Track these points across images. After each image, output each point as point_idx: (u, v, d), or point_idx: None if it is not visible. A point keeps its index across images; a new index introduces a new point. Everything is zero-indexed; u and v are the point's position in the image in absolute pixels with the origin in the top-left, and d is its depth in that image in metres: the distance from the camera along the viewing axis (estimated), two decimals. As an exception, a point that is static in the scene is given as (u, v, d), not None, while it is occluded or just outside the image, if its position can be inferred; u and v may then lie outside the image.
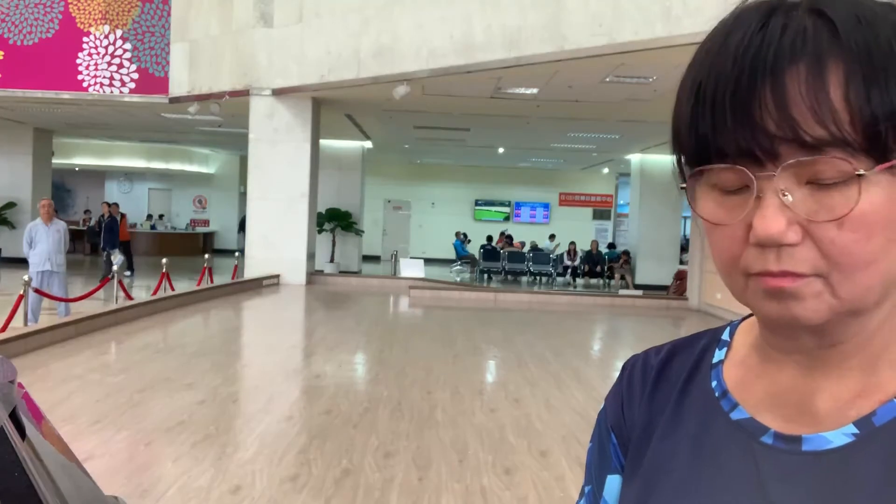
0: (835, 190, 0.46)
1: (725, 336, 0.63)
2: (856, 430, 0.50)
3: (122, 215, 16.68)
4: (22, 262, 16.19)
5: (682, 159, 0.52)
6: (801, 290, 0.47)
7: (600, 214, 25.24)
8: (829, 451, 0.51)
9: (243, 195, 18.51)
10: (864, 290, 0.47)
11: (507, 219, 25.02)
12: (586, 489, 0.68)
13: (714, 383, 0.59)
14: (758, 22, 0.48)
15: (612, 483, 0.65)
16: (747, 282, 0.50)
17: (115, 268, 9.97)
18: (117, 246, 14.48)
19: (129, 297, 9.71)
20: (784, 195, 0.46)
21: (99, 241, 15.78)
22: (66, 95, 12.98)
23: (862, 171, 0.45)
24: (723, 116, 0.47)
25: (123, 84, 12.84)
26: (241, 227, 22.37)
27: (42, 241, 8.77)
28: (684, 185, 0.52)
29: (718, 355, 0.61)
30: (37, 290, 8.20)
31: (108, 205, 15.84)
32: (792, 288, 0.47)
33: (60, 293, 8.94)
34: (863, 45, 0.45)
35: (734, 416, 0.56)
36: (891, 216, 0.46)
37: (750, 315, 0.61)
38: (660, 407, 0.62)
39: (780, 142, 0.46)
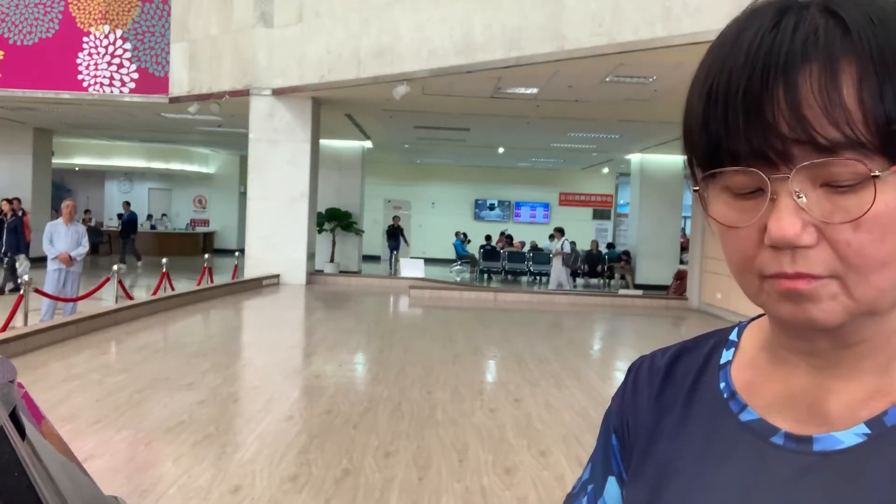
0: (850, 192, 0.46)
1: (733, 337, 0.62)
2: (867, 431, 0.50)
3: (24, 212, 13.99)
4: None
5: (694, 161, 0.52)
6: (817, 292, 0.47)
7: (600, 214, 25.23)
8: (841, 451, 0.50)
9: (243, 195, 18.50)
10: (879, 292, 0.47)
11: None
12: (589, 487, 0.68)
13: (722, 384, 0.59)
14: (770, 21, 0.48)
15: (611, 485, 0.66)
16: (762, 284, 0.49)
17: (21, 276, 8.89)
18: (22, 250, 12.50)
19: (129, 296, 9.71)
20: (799, 197, 0.46)
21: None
22: (66, 95, 12.98)
23: (877, 173, 0.44)
24: (735, 117, 0.47)
25: (123, 84, 12.84)
26: (126, 231, 19.71)
27: (60, 240, 9.01)
28: (697, 188, 0.52)
29: (726, 356, 0.61)
30: (37, 290, 8.19)
31: (10, 201, 13.36)
32: (808, 290, 0.47)
33: (73, 292, 9.15)
34: (875, 45, 0.45)
35: (743, 417, 0.56)
36: None
37: (758, 316, 0.61)
38: (667, 408, 0.62)
39: (793, 144, 0.46)
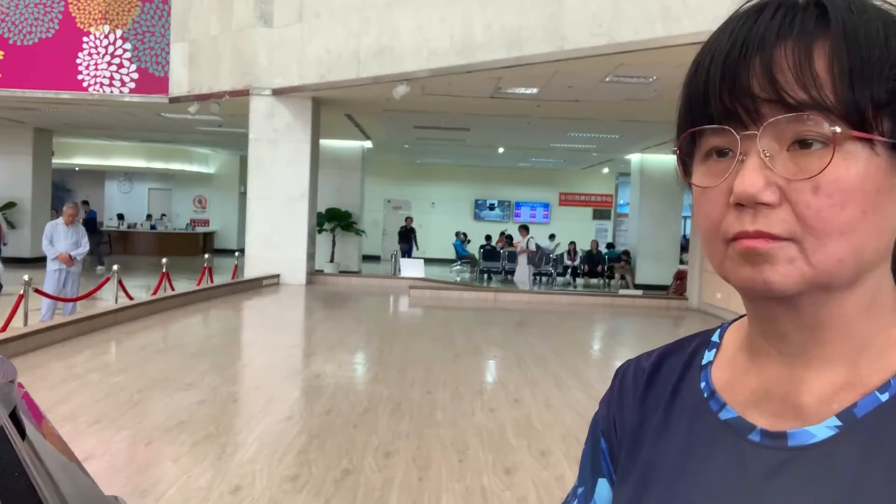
0: (814, 154, 0.48)
1: (715, 338, 0.63)
2: (838, 423, 0.51)
3: None
4: (22, 262, 16.23)
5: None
6: (774, 253, 0.48)
7: (600, 214, 25.23)
8: (814, 445, 0.51)
9: (243, 195, 18.49)
10: (837, 262, 0.48)
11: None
12: (579, 490, 0.69)
13: (703, 384, 0.60)
14: (755, 10, 0.51)
15: (602, 487, 0.66)
16: (726, 249, 0.51)
17: None
18: None
19: (129, 296, 9.71)
20: (765, 155, 0.48)
21: None
22: (66, 95, 12.97)
23: (838, 129, 0.47)
24: (714, 85, 0.50)
25: (123, 84, 12.83)
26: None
27: (60, 241, 9.06)
28: (675, 150, 0.55)
29: (708, 357, 0.62)
30: (37, 290, 8.19)
31: None
32: (766, 249, 0.48)
33: (73, 292, 9.19)
34: (851, 29, 0.48)
35: (722, 415, 0.57)
36: (866, 189, 0.48)
37: (741, 317, 0.62)
38: (650, 411, 0.63)
39: (763, 103, 0.48)
